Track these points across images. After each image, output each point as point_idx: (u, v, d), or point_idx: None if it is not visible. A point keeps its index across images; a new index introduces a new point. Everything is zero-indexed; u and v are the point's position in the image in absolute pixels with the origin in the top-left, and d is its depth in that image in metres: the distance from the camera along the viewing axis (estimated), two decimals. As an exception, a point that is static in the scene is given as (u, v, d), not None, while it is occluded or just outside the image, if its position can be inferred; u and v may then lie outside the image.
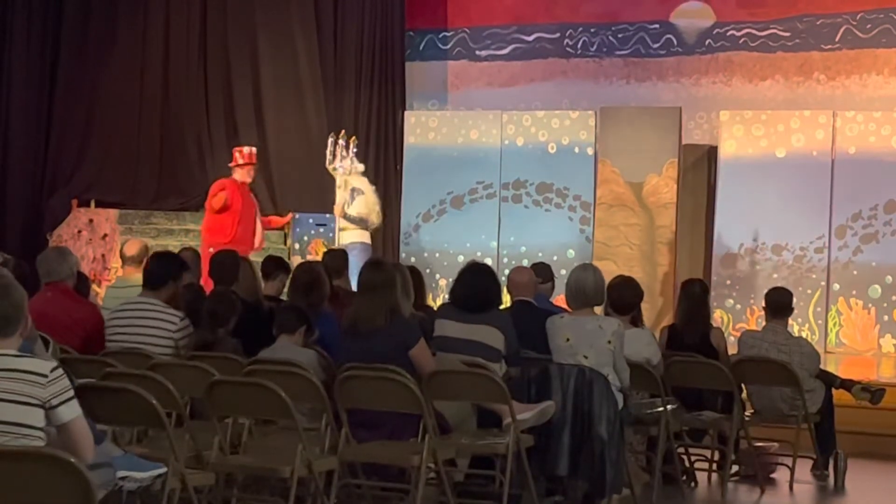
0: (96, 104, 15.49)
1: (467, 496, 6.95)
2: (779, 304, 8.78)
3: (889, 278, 13.16)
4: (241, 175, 12.92)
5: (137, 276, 8.34)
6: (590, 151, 14.17)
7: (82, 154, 15.49)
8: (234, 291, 7.75)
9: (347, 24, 15.28)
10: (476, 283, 7.39)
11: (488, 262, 12.16)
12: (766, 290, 9.11)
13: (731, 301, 13.61)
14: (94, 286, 10.97)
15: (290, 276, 8.39)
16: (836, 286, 13.35)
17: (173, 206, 15.06)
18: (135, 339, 7.30)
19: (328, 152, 13.35)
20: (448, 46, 15.66)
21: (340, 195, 13.21)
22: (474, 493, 7.02)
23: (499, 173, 14.56)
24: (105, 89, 15.48)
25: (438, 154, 14.79)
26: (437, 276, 14.44)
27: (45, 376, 4.35)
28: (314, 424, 6.42)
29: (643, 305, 8.45)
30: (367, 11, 15.23)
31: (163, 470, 5.30)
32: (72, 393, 4.41)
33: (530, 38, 15.32)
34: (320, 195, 13.82)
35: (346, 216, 13.13)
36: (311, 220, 14.30)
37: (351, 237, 13.04)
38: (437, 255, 14.66)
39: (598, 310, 7.56)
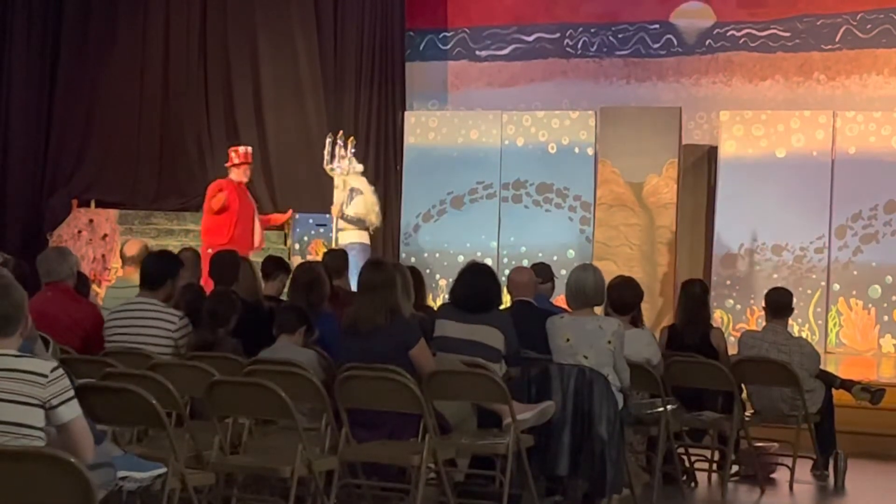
0: (96, 104, 15.50)
1: (467, 496, 6.95)
2: (779, 304, 8.78)
3: (889, 278, 13.17)
4: (238, 175, 12.91)
5: (137, 277, 8.32)
6: (590, 151, 14.17)
7: (82, 154, 15.49)
8: (234, 291, 7.74)
9: (347, 24, 15.28)
10: (476, 284, 7.39)
11: (488, 262, 12.16)
12: (766, 291, 9.10)
13: (731, 301, 13.61)
14: (94, 286, 10.97)
15: (291, 276, 8.38)
16: (836, 286, 13.35)
17: (173, 207, 15.07)
18: (134, 339, 7.30)
19: (326, 153, 13.35)
20: (448, 46, 15.66)
21: (338, 195, 13.21)
22: (474, 493, 7.02)
23: (499, 173, 14.56)
24: (105, 89, 15.48)
25: (438, 154, 14.79)
26: (437, 276, 14.44)
27: (46, 376, 4.35)
28: (314, 424, 6.42)
29: (643, 305, 8.45)
30: (367, 11, 15.23)
31: (163, 470, 5.30)
32: (72, 393, 4.41)
33: (530, 39, 15.32)
34: (320, 195, 13.82)
35: (344, 216, 13.12)
36: (311, 220, 14.30)
37: (350, 237, 13.03)
38: (437, 255, 14.66)
39: (599, 310, 7.56)
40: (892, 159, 13.23)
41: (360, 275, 7.09)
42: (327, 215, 13.72)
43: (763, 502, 8.22)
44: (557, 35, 15.20)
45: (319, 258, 11.26)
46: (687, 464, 8.44)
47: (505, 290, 8.18)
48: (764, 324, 8.91)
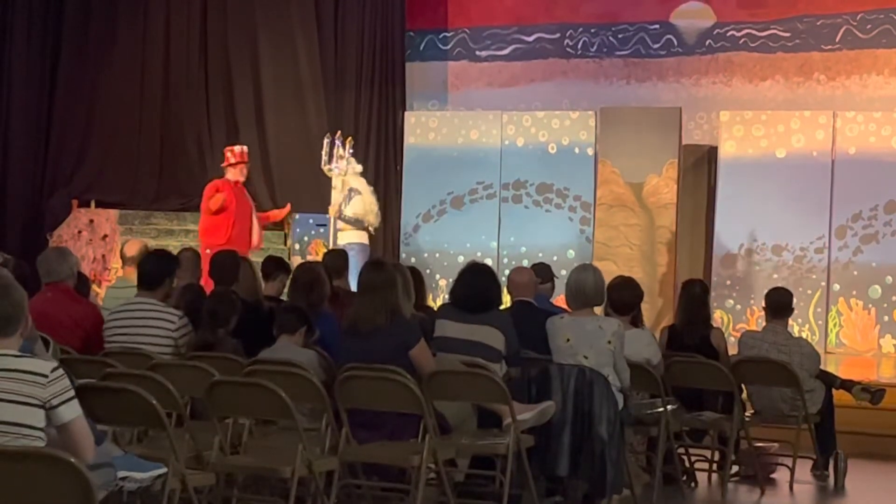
0: (96, 104, 15.50)
1: (467, 496, 6.95)
2: (779, 304, 8.78)
3: (889, 279, 13.16)
4: (234, 174, 12.89)
5: (137, 277, 8.33)
6: (590, 152, 14.17)
7: (82, 154, 15.49)
8: (234, 291, 7.74)
9: (348, 24, 15.28)
10: (476, 284, 7.39)
11: (488, 262, 12.16)
12: (766, 291, 9.10)
13: (731, 301, 13.61)
14: (94, 286, 10.97)
15: (291, 276, 8.38)
16: (837, 286, 13.35)
17: (173, 207, 15.07)
18: (134, 339, 7.30)
19: (324, 153, 13.34)
20: (448, 47, 15.66)
21: (336, 196, 13.20)
22: (474, 494, 7.02)
23: (499, 174, 14.56)
24: (105, 89, 15.48)
25: (438, 154, 14.79)
26: (437, 276, 14.44)
27: (46, 376, 4.35)
28: (314, 425, 6.42)
29: (643, 306, 8.45)
30: (367, 11, 15.23)
31: (163, 470, 5.30)
32: (72, 393, 4.41)
33: (530, 39, 15.32)
34: (320, 195, 13.82)
35: (342, 217, 13.11)
36: (311, 221, 14.30)
37: (349, 238, 13.02)
38: (437, 255, 14.66)
39: (599, 310, 7.56)
40: (893, 159, 13.22)
41: (361, 275, 7.09)
42: (327, 215, 13.72)
43: (763, 502, 8.22)
44: (557, 35, 15.20)
45: (319, 258, 11.26)
46: (687, 464, 8.44)
47: (505, 290, 8.18)
48: (764, 324, 8.91)
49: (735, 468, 8.48)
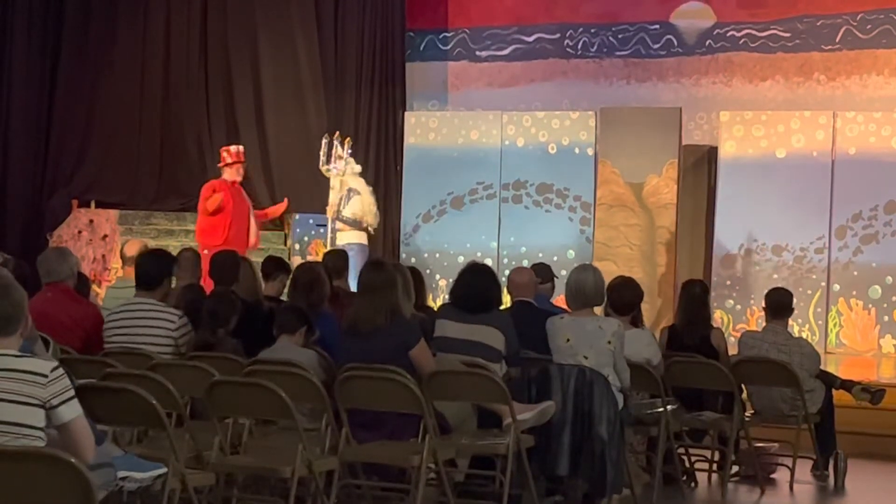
0: (96, 104, 15.49)
1: (467, 496, 6.95)
2: (779, 304, 8.78)
3: (889, 279, 13.16)
4: (231, 174, 12.88)
5: (137, 277, 8.32)
6: (590, 152, 14.17)
7: (82, 154, 15.49)
8: (234, 292, 7.74)
9: (348, 24, 15.28)
10: (476, 284, 7.39)
11: (488, 262, 12.17)
12: (766, 291, 9.10)
13: (732, 301, 13.61)
14: (94, 287, 10.97)
15: (291, 276, 8.38)
16: (837, 287, 13.35)
17: (173, 207, 15.06)
18: (134, 339, 7.30)
19: (322, 153, 13.33)
20: (448, 47, 15.66)
21: (334, 196, 13.19)
22: (474, 494, 7.03)
23: (499, 174, 14.56)
24: (105, 89, 15.48)
25: (438, 154, 14.79)
26: (437, 276, 14.44)
27: (46, 376, 4.35)
28: (314, 425, 6.42)
29: (643, 306, 8.45)
30: (367, 11, 15.23)
31: (163, 470, 5.30)
32: (72, 393, 4.41)
33: (530, 39, 15.32)
34: (320, 195, 13.81)
35: (340, 217, 13.10)
36: (311, 221, 14.29)
37: (347, 238, 13.01)
38: (437, 255, 14.66)
39: (598, 310, 7.56)
40: (893, 160, 13.23)
41: (361, 275, 7.10)
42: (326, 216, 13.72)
43: (763, 502, 8.22)
44: (557, 35, 15.20)
45: (319, 258, 11.26)
46: (687, 464, 8.44)
47: (505, 290, 8.18)
48: (764, 324, 8.91)
49: (735, 468, 8.48)
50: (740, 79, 14.44)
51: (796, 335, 9.82)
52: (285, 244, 14.54)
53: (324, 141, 13.42)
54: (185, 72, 15.46)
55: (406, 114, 15.16)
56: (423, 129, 14.94)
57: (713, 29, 14.59)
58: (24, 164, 15.34)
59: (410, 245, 14.82)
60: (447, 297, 7.97)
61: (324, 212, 13.58)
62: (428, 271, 13.96)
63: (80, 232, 14.65)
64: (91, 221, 14.75)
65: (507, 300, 8.24)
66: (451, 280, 8.76)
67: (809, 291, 13.31)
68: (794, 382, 8.34)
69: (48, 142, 15.48)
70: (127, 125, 15.46)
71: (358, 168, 13.45)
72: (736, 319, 13.51)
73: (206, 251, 11.27)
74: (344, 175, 13.24)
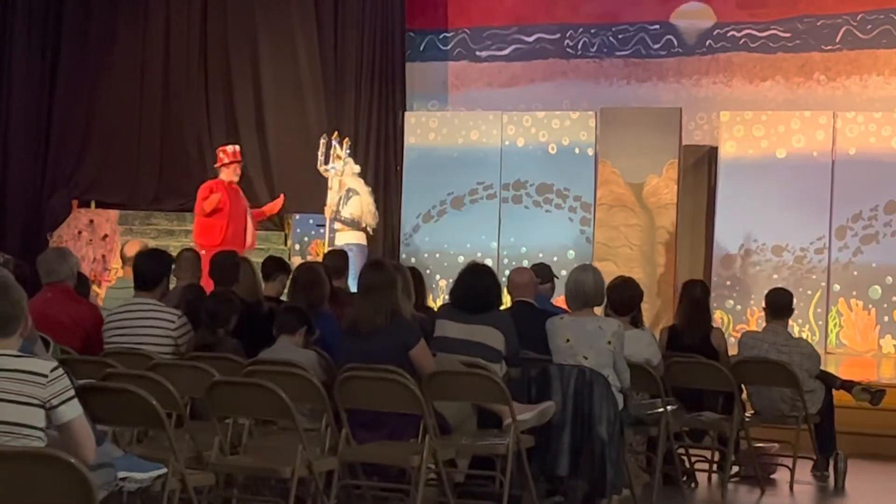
0: (96, 104, 15.50)
1: (467, 497, 6.95)
2: (779, 304, 8.77)
3: (889, 279, 13.16)
4: (228, 174, 12.84)
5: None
6: (590, 152, 14.17)
7: (82, 154, 15.50)
8: (234, 292, 7.74)
9: (348, 24, 15.27)
10: (476, 284, 7.39)
11: (488, 262, 12.17)
12: (766, 291, 9.10)
13: (732, 302, 13.61)
14: (94, 287, 10.97)
15: (291, 276, 8.38)
16: (837, 287, 13.35)
17: (173, 207, 15.06)
18: (134, 339, 7.29)
19: (320, 153, 13.32)
20: (448, 47, 15.66)
21: (332, 196, 13.19)
22: (474, 494, 7.02)
23: (499, 174, 14.56)
24: (105, 89, 15.49)
25: (439, 155, 14.79)
26: (438, 276, 14.44)
27: (46, 376, 4.35)
28: (314, 425, 6.42)
29: (643, 306, 8.45)
30: (367, 12, 15.23)
31: (163, 470, 5.29)
32: (72, 392, 4.41)
33: (530, 39, 15.32)
34: (321, 196, 13.82)
35: (338, 218, 13.09)
36: (311, 221, 14.29)
37: (346, 238, 13.00)
38: (438, 255, 14.66)
39: (598, 310, 7.56)
40: (893, 160, 13.22)
41: (361, 275, 7.10)
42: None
43: (763, 503, 8.22)
44: (558, 35, 15.20)
45: (320, 259, 11.25)
46: (687, 464, 8.44)
47: (505, 290, 8.18)
48: (764, 324, 8.91)
49: (735, 468, 8.48)
50: (740, 79, 14.44)
51: (796, 335, 9.82)
52: (285, 244, 14.54)
53: (322, 141, 13.41)
54: (185, 72, 15.46)
55: (406, 114, 15.16)
56: (423, 129, 14.94)
57: (713, 29, 14.59)
58: (24, 164, 15.35)
59: (410, 245, 14.82)
60: (447, 297, 7.96)
61: (323, 212, 13.58)
62: (428, 271, 13.96)
63: (80, 232, 14.66)
64: (91, 221, 14.75)
65: (507, 300, 8.24)
66: (451, 280, 8.76)
67: (809, 292, 13.31)
68: (794, 383, 8.34)
69: (48, 142, 15.49)
70: (127, 125, 15.46)
71: (357, 168, 13.44)
72: (736, 320, 13.51)
73: (203, 252, 11.25)
74: (342, 175, 13.23)
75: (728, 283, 13.64)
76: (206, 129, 15.38)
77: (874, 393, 8.90)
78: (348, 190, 13.18)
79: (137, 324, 7.35)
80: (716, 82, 14.55)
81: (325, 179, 13.43)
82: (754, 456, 8.45)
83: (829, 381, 8.82)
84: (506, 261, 14.22)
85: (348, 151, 13.38)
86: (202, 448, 5.89)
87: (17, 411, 4.31)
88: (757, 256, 13.58)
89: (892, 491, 8.90)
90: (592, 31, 15.08)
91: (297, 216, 14.42)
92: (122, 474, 5.03)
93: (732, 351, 8.85)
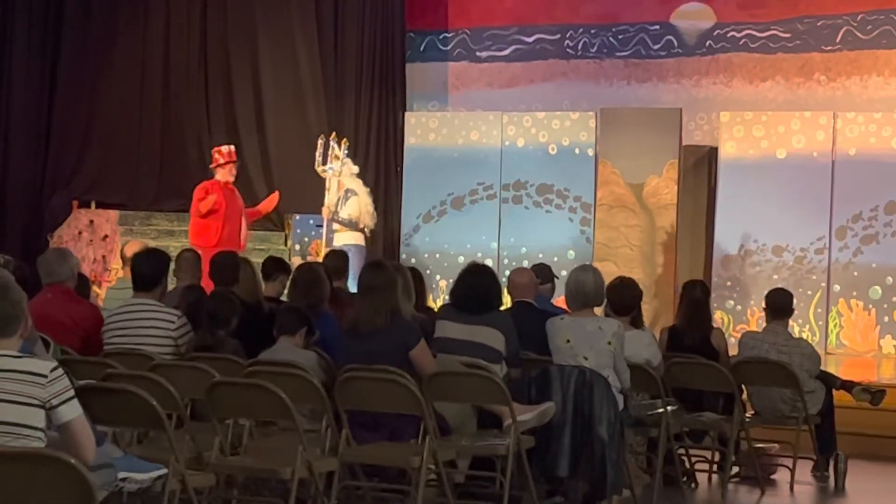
0: (96, 105, 15.50)
1: (468, 497, 6.95)
2: (779, 305, 8.77)
3: (889, 279, 13.16)
4: (224, 174, 12.78)
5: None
6: (590, 152, 14.17)
7: (83, 155, 15.49)
8: (234, 292, 7.74)
9: (348, 24, 15.28)
10: (476, 285, 7.39)
11: (489, 263, 12.15)
12: (766, 292, 9.10)
13: (732, 302, 13.61)
14: (94, 287, 10.97)
15: (291, 277, 8.38)
16: (837, 287, 13.35)
17: (174, 207, 15.04)
18: (134, 340, 7.29)
19: (318, 154, 13.30)
20: (448, 47, 15.66)
21: (330, 197, 13.17)
22: (475, 495, 7.02)
23: (499, 174, 14.56)
24: (105, 90, 15.49)
25: (439, 155, 14.79)
26: (438, 277, 14.44)
27: (45, 376, 4.35)
28: (314, 426, 6.42)
29: (643, 306, 8.45)
30: (367, 12, 15.23)
31: (163, 471, 5.29)
32: (72, 393, 4.41)
33: (531, 40, 15.32)
34: (321, 196, 13.82)
35: (336, 218, 13.08)
36: (311, 221, 14.29)
37: (345, 239, 12.99)
38: (438, 256, 14.66)
39: (599, 311, 7.56)
40: (893, 160, 13.22)
41: (361, 276, 7.09)
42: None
43: (763, 503, 8.22)
44: (558, 36, 15.20)
45: (320, 259, 11.25)
46: (687, 465, 8.44)
47: (505, 291, 8.18)
48: (764, 325, 8.91)
49: (735, 469, 8.48)
50: (740, 79, 14.44)
51: (796, 336, 9.82)
52: (285, 244, 14.53)
53: (320, 142, 13.40)
54: (185, 72, 15.46)
55: (406, 114, 15.16)
56: (423, 129, 14.94)
57: (713, 30, 14.59)
58: (24, 164, 15.35)
59: (411, 245, 14.82)
60: (447, 297, 7.96)
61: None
62: (428, 272, 13.96)
63: (80, 233, 14.66)
64: (91, 222, 14.75)
65: (507, 301, 8.23)
66: (451, 281, 8.76)
67: (810, 292, 13.31)
68: (794, 383, 8.34)
69: (48, 142, 15.49)
70: (127, 125, 15.46)
71: (355, 169, 13.43)
72: (736, 320, 13.51)
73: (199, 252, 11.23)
74: (340, 176, 13.22)
75: (728, 283, 13.64)
76: (206, 130, 15.37)
77: (874, 393, 8.90)
78: (347, 190, 13.17)
79: (137, 324, 7.35)
80: (716, 83, 14.55)
81: (325, 180, 13.42)
82: (754, 456, 8.44)
83: (829, 381, 8.82)
84: (506, 261, 14.22)
85: (346, 152, 13.37)
86: (202, 449, 5.89)
87: (17, 412, 4.31)
88: (757, 257, 13.58)
89: (893, 491, 8.90)
90: (592, 31, 15.08)
91: (298, 216, 14.41)
92: (122, 475, 5.03)
93: (733, 351, 8.86)
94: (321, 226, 13.84)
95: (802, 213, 13.40)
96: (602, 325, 7.20)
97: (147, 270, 7.55)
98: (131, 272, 7.76)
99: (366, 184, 13.57)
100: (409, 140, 14.98)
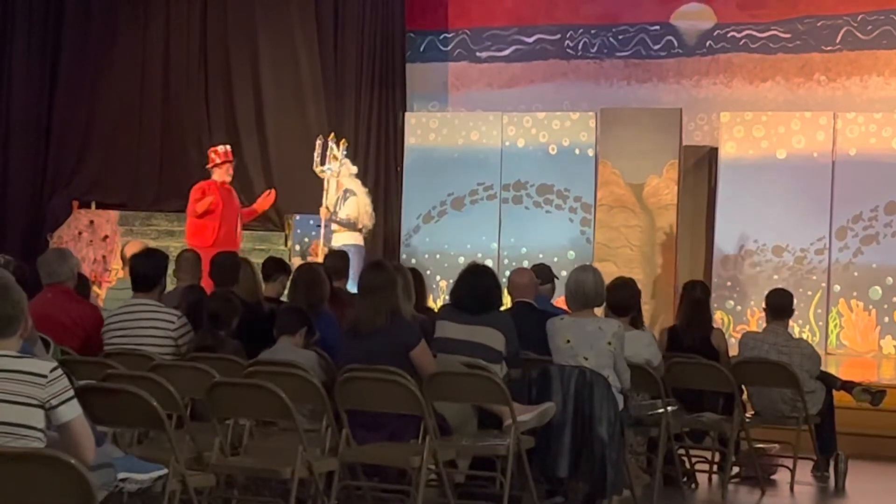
0: (97, 105, 15.50)
1: (468, 497, 6.95)
2: (779, 305, 8.77)
3: (889, 280, 13.16)
4: (220, 174, 12.75)
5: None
6: (590, 153, 14.17)
7: (83, 155, 15.49)
8: (234, 293, 7.74)
9: (348, 25, 15.28)
10: (476, 285, 7.39)
11: (489, 263, 12.15)
12: (766, 292, 9.10)
13: (732, 302, 13.61)
14: (94, 288, 10.96)
15: (291, 277, 8.38)
16: (837, 288, 13.34)
17: (174, 208, 15.04)
18: (134, 340, 7.29)
19: (316, 154, 13.29)
20: (449, 48, 15.66)
21: (329, 197, 13.16)
22: (475, 495, 7.02)
23: (499, 175, 14.56)
24: (105, 90, 15.49)
25: (439, 155, 14.78)
26: (438, 277, 14.43)
27: (45, 377, 4.35)
28: (315, 426, 6.42)
29: (643, 307, 8.45)
30: (367, 13, 15.23)
31: (163, 471, 5.29)
32: (72, 393, 4.41)
33: (531, 40, 15.32)
34: (321, 196, 13.81)
35: (334, 218, 13.07)
36: (311, 222, 14.28)
37: (343, 239, 12.98)
38: (438, 256, 14.66)
39: (599, 311, 7.56)
40: (893, 161, 13.22)
41: (362, 276, 7.10)
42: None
43: (763, 503, 8.22)
44: (558, 36, 15.20)
45: (320, 259, 11.25)
46: (687, 465, 8.44)
47: (505, 291, 8.18)
48: (764, 325, 8.91)
49: (735, 469, 8.48)
50: (741, 80, 14.44)
51: (797, 336, 9.82)
52: (285, 245, 14.52)
53: (318, 142, 13.39)
54: (185, 72, 15.46)
55: (406, 115, 15.15)
56: (423, 129, 14.94)
57: (713, 30, 14.59)
58: (24, 164, 15.35)
59: (410, 246, 14.82)
60: (447, 298, 7.96)
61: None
62: (428, 272, 13.95)
63: (80, 233, 14.66)
64: (91, 222, 14.75)
65: (507, 301, 8.23)
66: (451, 281, 8.76)
67: (810, 292, 13.31)
68: (794, 383, 8.34)
69: (48, 142, 15.49)
70: (127, 126, 15.46)
71: (354, 169, 13.42)
72: (736, 320, 13.51)
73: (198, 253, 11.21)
74: (339, 176, 13.22)
75: (728, 283, 13.64)
76: (206, 130, 15.37)
77: (874, 394, 8.90)
78: (345, 191, 13.17)
79: (137, 324, 7.35)
80: (716, 83, 14.55)
81: (324, 180, 13.41)
82: (755, 457, 8.44)
83: (829, 381, 8.82)
84: (506, 261, 14.22)
85: (345, 152, 13.37)
86: (203, 449, 5.89)
87: (17, 412, 4.31)
88: (757, 257, 13.57)
89: (893, 492, 8.90)
90: (593, 31, 15.08)
91: (298, 217, 14.40)
92: (122, 475, 5.03)
93: (733, 352, 8.86)
94: (319, 226, 13.84)
95: (802, 214, 13.40)
96: (602, 325, 7.20)
97: (146, 271, 7.55)
98: (130, 273, 7.76)
99: (366, 184, 13.57)
100: (410, 140, 14.98)
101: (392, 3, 15.29)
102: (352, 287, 9.02)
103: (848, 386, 8.89)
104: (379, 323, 6.81)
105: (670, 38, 14.76)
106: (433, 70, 15.68)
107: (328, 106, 15.03)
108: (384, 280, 6.90)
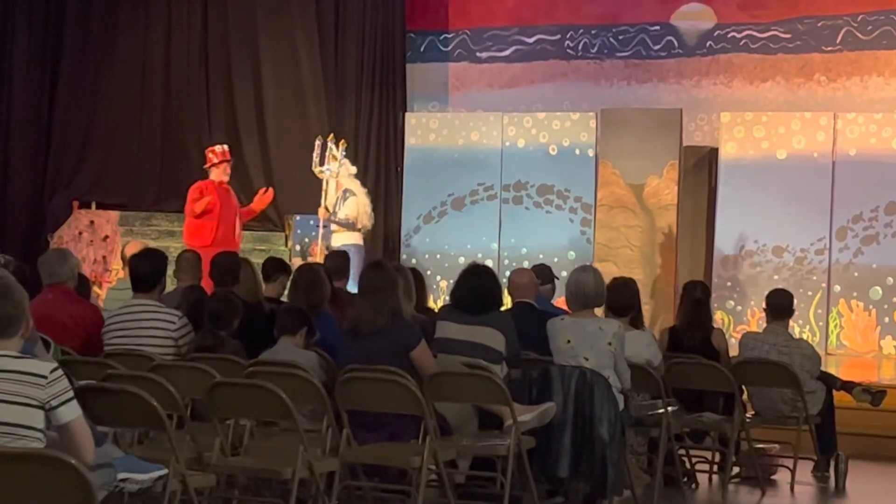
0: (97, 105, 15.49)
1: (468, 498, 6.95)
2: (779, 305, 8.78)
3: (890, 280, 13.16)
4: (218, 174, 12.72)
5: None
6: (591, 153, 14.17)
7: (83, 155, 15.48)
8: (235, 293, 7.74)
9: (348, 25, 15.28)
10: (477, 285, 7.39)
11: (489, 263, 12.15)
12: (766, 292, 9.11)
13: (732, 303, 13.61)
14: (94, 288, 10.96)
15: (291, 277, 8.38)
16: (837, 288, 13.35)
17: (174, 208, 15.02)
18: (134, 340, 7.29)
19: (315, 155, 13.28)
20: (449, 48, 15.66)
21: (329, 198, 13.16)
22: (475, 495, 7.02)
23: (500, 175, 14.56)
24: (106, 90, 15.48)
25: (439, 156, 14.78)
26: (438, 277, 14.43)
27: (45, 377, 4.35)
28: (315, 426, 6.42)
29: (643, 307, 8.45)
30: (367, 13, 15.23)
31: (164, 472, 5.29)
32: (72, 394, 4.41)
33: (531, 40, 15.32)
34: (321, 197, 13.82)
35: (333, 219, 13.07)
36: (311, 222, 14.27)
37: (342, 239, 12.98)
38: (438, 256, 14.66)
39: (599, 311, 7.56)
40: (893, 161, 13.22)
41: (362, 276, 7.10)
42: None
43: (764, 504, 8.23)
44: (558, 36, 15.20)
45: (320, 260, 11.25)
46: (688, 465, 8.44)
47: (506, 291, 8.18)
48: (765, 325, 8.92)
49: (736, 469, 8.48)
50: (741, 80, 14.44)
51: (797, 336, 9.82)
52: (286, 245, 14.52)
53: (317, 142, 13.39)
54: (186, 72, 15.46)
55: (407, 115, 15.15)
56: (423, 130, 14.94)
57: (714, 30, 14.59)
58: (24, 165, 15.34)
59: (411, 246, 14.82)
60: (448, 298, 7.96)
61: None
62: (428, 272, 13.95)
63: (80, 233, 14.65)
64: (92, 223, 14.75)
65: (507, 301, 8.23)
66: (451, 281, 8.75)
67: (810, 293, 13.31)
68: (794, 384, 8.34)
69: (49, 142, 15.48)
70: (127, 126, 15.45)
71: (353, 169, 13.42)
72: (736, 320, 13.51)
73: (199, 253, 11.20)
74: (338, 177, 13.22)
75: (728, 283, 13.64)
76: (206, 130, 15.36)
77: (875, 394, 8.90)
78: (345, 191, 13.17)
79: (138, 325, 7.35)
80: (716, 83, 14.55)
81: (323, 181, 13.41)
82: (755, 457, 8.45)
83: (829, 381, 8.82)
84: (506, 262, 14.22)
85: (344, 153, 13.36)
86: (203, 449, 5.89)
87: (17, 412, 4.32)
88: (757, 257, 13.57)
89: (893, 492, 8.90)
90: (593, 32, 15.08)
91: (298, 217, 14.40)
92: (122, 475, 5.03)
93: (733, 352, 8.86)
94: (323, 226, 13.84)
95: (803, 214, 13.40)
96: (602, 325, 7.20)
97: (146, 271, 7.55)
98: (130, 273, 7.76)
99: (366, 184, 13.57)
100: (410, 140, 14.98)
101: (392, 4, 15.30)
102: (352, 287, 9.03)
103: (848, 386, 8.90)
104: (379, 323, 6.81)
105: (670, 38, 14.76)
106: (433, 70, 15.69)
107: (328, 106, 15.03)
108: (385, 280, 6.90)
